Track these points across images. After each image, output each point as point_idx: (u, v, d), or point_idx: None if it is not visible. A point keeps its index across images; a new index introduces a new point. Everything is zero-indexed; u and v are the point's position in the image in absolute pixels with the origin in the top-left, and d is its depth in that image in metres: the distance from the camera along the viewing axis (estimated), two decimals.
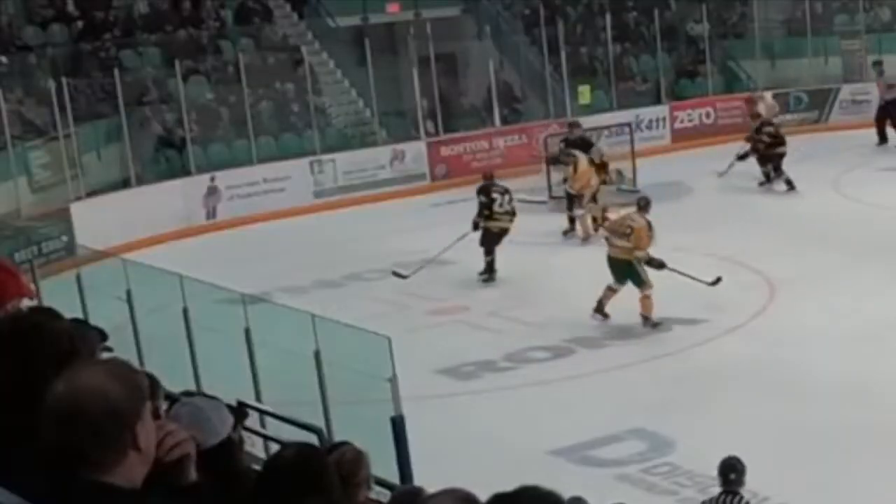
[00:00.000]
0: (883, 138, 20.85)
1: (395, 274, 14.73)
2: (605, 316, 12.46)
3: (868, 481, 8.35)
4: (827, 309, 12.22)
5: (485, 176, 15.93)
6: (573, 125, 18.14)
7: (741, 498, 6.77)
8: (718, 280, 12.64)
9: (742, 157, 18.51)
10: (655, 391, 10.55)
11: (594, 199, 16.40)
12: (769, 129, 18.65)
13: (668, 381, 10.80)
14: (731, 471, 6.77)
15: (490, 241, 14.88)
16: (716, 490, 6.99)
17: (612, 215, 14.93)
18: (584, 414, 10.13)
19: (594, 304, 12.45)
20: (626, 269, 12.35)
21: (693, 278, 12.47)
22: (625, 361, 11.41)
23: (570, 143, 17.17)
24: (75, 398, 2.09)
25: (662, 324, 12.25)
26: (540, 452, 9.19)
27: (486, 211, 14.92)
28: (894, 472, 8.38)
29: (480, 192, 15.39)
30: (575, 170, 16.70)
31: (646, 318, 12.28)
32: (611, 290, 12.44)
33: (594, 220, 16.33)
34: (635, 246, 12.31)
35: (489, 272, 14.78)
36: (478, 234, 14.97)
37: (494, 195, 15.10)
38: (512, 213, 15.02)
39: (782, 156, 18.32)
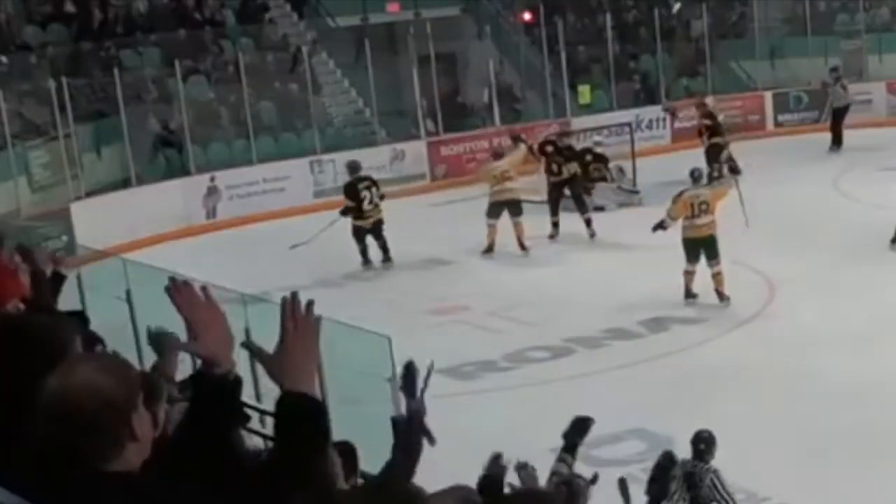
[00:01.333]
0: (837, 141, 20.95)
1: (294, 246, 15.56)
2: (695, 296, 12.82)
3: (868, 481, 8.35)
4: (827, 309, 12.21)
5: (350, 169, 16.04)
6: (563, 134, 17.98)
7: (703, 465, 7.16)
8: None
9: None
10: (655, 391, 10.54)
11: (493, 208, 15.68)
12: (707, 121, 19.21)
13: (668, 381, 10.79)
14: (701, 442, 7.23)
15: (362, 233, 15.41)
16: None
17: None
18: (584, 414, 10.11)
19: (683, 293, 12.80)
20: (706, 244, 12.68)
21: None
22: (625, 361, 11.40)
23: (557, 148, 17.03)
24: (70, 395, 2.10)
25: (731, 297, 12.62)
26: (540, 452, 9.14)
27: (355, 212, 15.37)
28: (894, 472, 8.37)
29: (347, 192, 15.67)
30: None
31: (721, 294, 12.64)
32: (689, 274, 12.80)
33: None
34: (714, 216, 12.77)
35: (365, 259, 15.41)
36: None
37: (363, 194, 15.46)
38: (381, 199, 15.51)
39: (718, 147, 18.71)
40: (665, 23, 24.18)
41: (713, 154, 18.69)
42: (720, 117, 19.69)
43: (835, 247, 14.36)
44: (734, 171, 13.36)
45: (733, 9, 25.69)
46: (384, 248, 15.46)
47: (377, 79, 20.96)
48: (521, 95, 23.53)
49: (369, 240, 15.49)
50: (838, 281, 13.10)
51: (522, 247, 15.57)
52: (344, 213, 15.47)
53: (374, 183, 15.70)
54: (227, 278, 11.13)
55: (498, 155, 16.68)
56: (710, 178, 17.99)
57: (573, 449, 5.61)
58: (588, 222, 16.24)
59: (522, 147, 17.00)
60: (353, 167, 16.03)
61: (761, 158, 19.59)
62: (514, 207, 15.61)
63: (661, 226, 13.01)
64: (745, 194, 14.25)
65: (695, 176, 13.07)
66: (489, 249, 15.64)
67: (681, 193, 12.92)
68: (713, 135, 19.02)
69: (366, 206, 15.33)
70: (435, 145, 21.24)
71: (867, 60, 23.51)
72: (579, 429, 5.79)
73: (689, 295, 12.83)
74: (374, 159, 20.62)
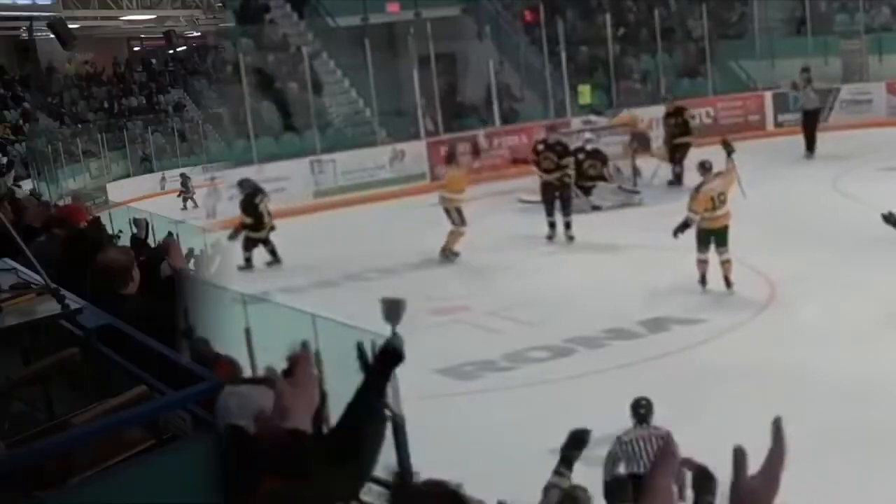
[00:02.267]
0: (810, 147, 20.77)
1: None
2: (706, 282, 13.07)
3: (868, 481, 8.35)
4: (827, 308, 12.22)
5: (243, 187, 16.24)
6: (551, 129, 18.02)
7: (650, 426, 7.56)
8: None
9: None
10: (656, 391, 10.50)
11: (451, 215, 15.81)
12: (674, 120, 19.57)
13: (668, 380, 10.77)
14: (640, 407, 7.73)
15: (255, 243, 15.76)
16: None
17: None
18: (584, 414, 10.06)
19: (699, 279, 13.04)
20: (718, 233, 12.93)
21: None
22: (625, 361, 11.39)
23: (548, 145, 16.99)
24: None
25: (732, 296, 12.83)
26: (540, 452, 9.14)
27: (254, 227, 15.74)
28: (895, 472, 8.37)
29: (246, 209, 15.90)
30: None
31: (728, 281, 12.89)
32: (703, 262, 13.02)
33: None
34: (728, 205, 12.98)
35: (249, 265, 15.63)
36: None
37: (261, 208, 15.82)
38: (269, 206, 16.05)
39: (685, 146, 18.92)
40: (665, 22, 24.21)
41: (679, 154, 18.73)
42: (689, 115, 19.85)
43: (835, 246, 14.35)
44: (731, 152, 13.41)
45: (733, 9, 25.70)
46: (273, 252, 15.87)
47: (377, 79, 20.98)
48: (520, 95, 23.54)
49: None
50: (838, 280, 13.10)
51: (445, 252, 15.63)
52: (243, 227, 15.76)
53: (264, 191, 16.27)
54: (227, 278, 11.13)
55: (451, 160, 16.77)
56: (678, 179, 18.16)
57: (570, 462, 5.57)
58: (568, 225, 16.24)
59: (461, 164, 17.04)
60: (246, 184, 16.29)
61: (761, 158, 19.59)
62: (448, 215, 15.72)
63: (685, 226, 13.00)
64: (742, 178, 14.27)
65: (706, 167, 13.16)
66: (442, 251, 15.71)
67: (698, 189, 13.04)
68: (682, 134, 19.10)
69: (265, 219, 15.84)
70: (435, 145, 21.27)
71: (867, 60, 23.51)
72: (577, 441, 5.75)
73: (704, 281, 13.06)
74: (374, 159, 20.68)
